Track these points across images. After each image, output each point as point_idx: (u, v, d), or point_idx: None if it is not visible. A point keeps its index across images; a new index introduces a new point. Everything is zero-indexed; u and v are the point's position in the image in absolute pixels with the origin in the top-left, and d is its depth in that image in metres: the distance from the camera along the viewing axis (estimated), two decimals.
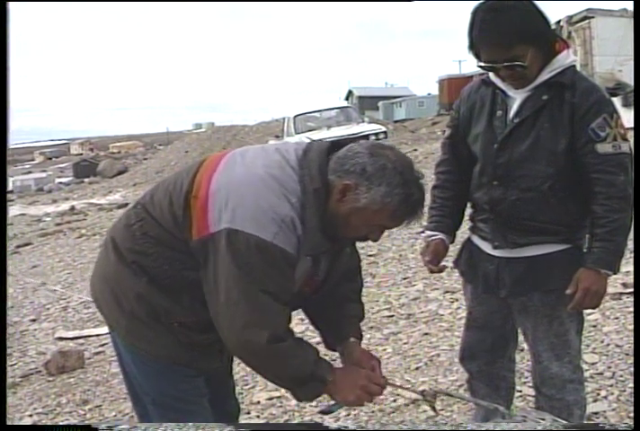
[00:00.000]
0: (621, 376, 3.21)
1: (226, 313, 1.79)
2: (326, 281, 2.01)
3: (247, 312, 1.77)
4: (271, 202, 1.75)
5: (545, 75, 2.18)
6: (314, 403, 3.35)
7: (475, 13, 2.12)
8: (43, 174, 37.45)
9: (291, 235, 1.76)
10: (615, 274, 2.24)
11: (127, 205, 14.01)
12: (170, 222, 1.87)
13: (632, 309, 3.96)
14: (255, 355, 1.83)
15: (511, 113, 2.23)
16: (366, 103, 48.53)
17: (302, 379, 1.84)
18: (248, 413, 3.39)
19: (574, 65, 2.24)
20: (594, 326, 3.81)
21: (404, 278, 5.57)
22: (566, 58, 2.21)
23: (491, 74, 2.26)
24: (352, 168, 1.77)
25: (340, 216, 1.81)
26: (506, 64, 2.11)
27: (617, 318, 3.92)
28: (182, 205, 1.84)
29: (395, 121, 37.29)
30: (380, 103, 46.84)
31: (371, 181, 1.76)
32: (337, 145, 1.90)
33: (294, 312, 1.96)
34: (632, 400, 2.94)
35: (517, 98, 2.23)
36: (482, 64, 2.17)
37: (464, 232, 2.52)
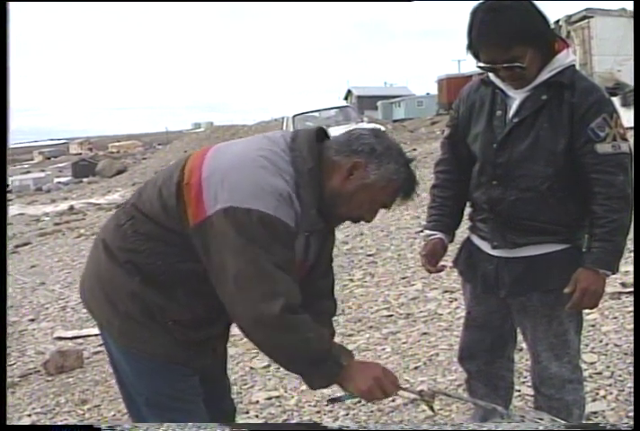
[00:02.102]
0: (620, 376, 3.21)
1: (238, 291, 1.78)
2: (315, 267, 2.05)
3: (258, 285, 1.76)
4: (267, 179, 1.79)
5: (544, 75, 2.17)
6: (312, 403, 3.36)
7: (474, 13, 2.12)
8: (42, 174, 37.41)
9: (289, 209, 1.80)
10: (614, 274, 2.24)
11: None
12: (161, 214, 1.87)
13: (631, 308, 3.96)
14: (271, 328, 1.78)
15: (511, 113, 2.23)
16: (365, 103, 48.56)
17: (319, 358, 1.81)
18: (247, 413, 3.38)
19: (574, 65, 2.23)
20: (593, 326, 3.81)
21: (403, 278, 5.57)
22: (566, 58, 2.20)
23: (490, 74, 2.25)
24: (361, 148, 1.87)
25: (345, 194, 1.87)
26: (505, 65, 2.10)
27: (615, 317, 3.92)
28: (173, 194, 1.85)
29: (394, 121, 37.27)
30: (379, 103, 46.86)
31: (381, 159, 1.86)
32: (324, 131, 1.97)
33: None
34: (631, 399, 2.94)
35: (516, 98, 2.23)
36: (481, 64, 2.17)
37: (463, 231, 2.52)
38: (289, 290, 1.80)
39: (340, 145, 1.89)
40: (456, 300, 4.63)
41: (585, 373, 2.87)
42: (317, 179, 1.85)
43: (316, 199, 1.85)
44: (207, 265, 1.83)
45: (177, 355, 1.96)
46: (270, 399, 3.52)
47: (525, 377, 3.15)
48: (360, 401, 3.28)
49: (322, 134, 1.96)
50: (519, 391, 3.02)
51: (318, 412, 3.28)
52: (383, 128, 15.28)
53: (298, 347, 1.82)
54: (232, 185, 1.78)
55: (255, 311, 1.77)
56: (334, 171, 1.87)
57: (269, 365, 3.94)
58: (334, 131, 2.09)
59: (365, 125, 15.78)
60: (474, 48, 2.15)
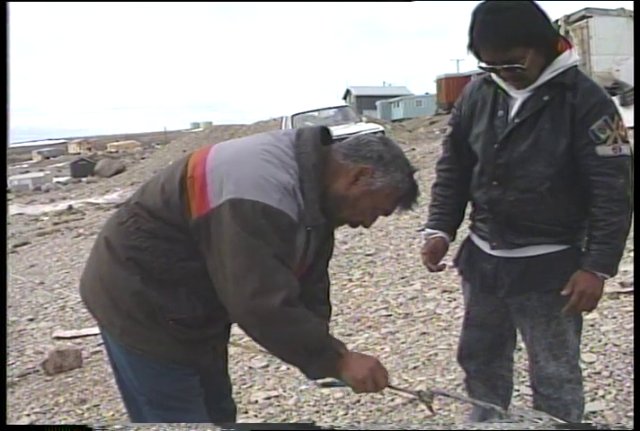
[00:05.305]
0: (619, 376, 3.21)
1: (236, 282, 1.78)
2: (313, 267, 2.06)
3: (259, 278, 1.77)
4: (272, 172, 1.81)
5: (546, 76, 2.16)
6: (311, 402, 3.36)
7: (475, 13, 2.11)
8: (41, 173, 37.36)
9: (293, 202, 1.81)
10: (612, 277, 2.24)
11: None
12: (164, 210, 1.88)
13: (630, 308, 3.96)
14: (269, 320, 1.79)
15: (512, 113, 2.22)
16: (364, 103, 48.59)
17: (316, 348, 1.82)
18: (246, 412, 3.38)
19: (577, 66, 2.21)
20: (592, 325, 3.82)
21: (402, 278, 5.58)
22: (568, 59, 2.19)
23: (492, 74, 2.25)
24: (369, 154, 1.89)
25: (349, 198, 1.90)
26: (505, 65, 2.10)
27: (614, 317, 3.93)
28: (176, 189, 1.86)
29: (393, 121, 37.27)
30: (378, 103, 46.84)
31: (387, 167, 1.89)
32: (328, 132, 2.00)
33: None
34: (630, 399, 2.95)
35: (518, 98, 2.22)
36: (482, 64, 2.17)
37: (464, 230, 2.52)
38: (288, 282, 1.81)
39: (348, 149, 1.92)
40: (455, 300, 4.63)
41: (584, 373, 2.87)
42: (321, 175, 1.87)
43: (320, 196, 1.86)
44: (206, 257, 1.83)
45: (178, 354, 1.96)
46: (269, 398, 3.52)
47: (524, 377, 3.15)
48: (358, 401, 3.28)
49: (326, 135, 1.98)
50: (518, 390, 3.02)
51: (317, 412, 3.28)
52: (382, 128, 15.16)
53: (297, 338, 1.83)
54: (237, 177, 1.79)
55: (253, 303, 1.77)
56: (340, 174, 1.89)
57: (268, 365, 3.94)
58: (334, 131, 2.09)
59: (364, 124, 15.80)
60: (474, 48, 2.14)
